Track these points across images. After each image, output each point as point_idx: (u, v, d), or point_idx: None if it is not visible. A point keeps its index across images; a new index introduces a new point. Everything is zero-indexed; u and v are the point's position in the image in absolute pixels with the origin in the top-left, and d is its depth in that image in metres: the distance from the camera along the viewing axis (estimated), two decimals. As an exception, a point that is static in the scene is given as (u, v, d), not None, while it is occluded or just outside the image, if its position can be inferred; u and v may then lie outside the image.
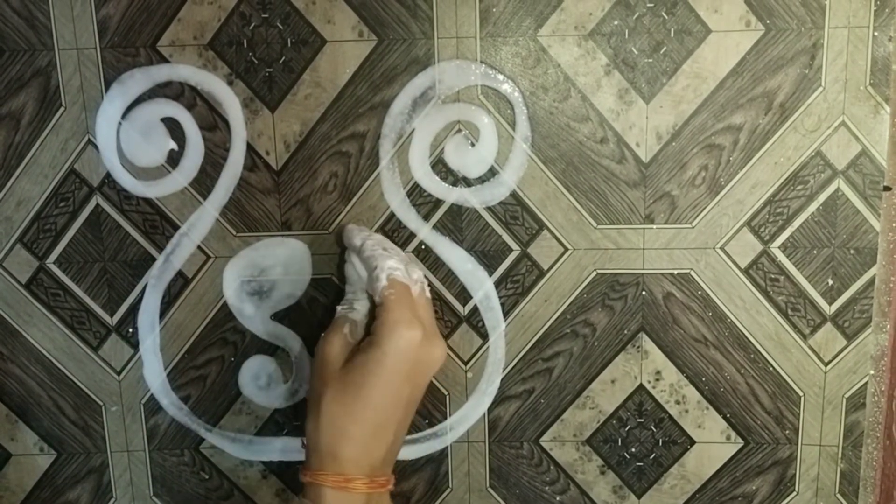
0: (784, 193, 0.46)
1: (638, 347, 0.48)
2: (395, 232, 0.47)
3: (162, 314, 0.48)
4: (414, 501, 0.50)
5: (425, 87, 0.45)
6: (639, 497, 0.50)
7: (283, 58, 0.45)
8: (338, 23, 0.45)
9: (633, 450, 0.50)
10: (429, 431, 0.49)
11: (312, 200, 0.47)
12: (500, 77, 0.45)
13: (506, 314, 0.48)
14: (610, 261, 0.47)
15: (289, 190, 0.47)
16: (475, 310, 0.48)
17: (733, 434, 0.49)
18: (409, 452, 0.49)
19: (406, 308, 0.40)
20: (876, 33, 0.44)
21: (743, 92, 0.45)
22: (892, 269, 0.47)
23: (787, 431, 0.49)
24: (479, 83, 0.45)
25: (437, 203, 0.47)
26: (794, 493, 0.49)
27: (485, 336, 0.48)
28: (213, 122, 0.46)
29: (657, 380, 0.49)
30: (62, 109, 0.46)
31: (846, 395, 0.48)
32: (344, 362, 0.41)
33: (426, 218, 0.47)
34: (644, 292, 0.47)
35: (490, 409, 0.49)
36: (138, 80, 0.46)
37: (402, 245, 0.47)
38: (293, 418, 0.50)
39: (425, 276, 0.46)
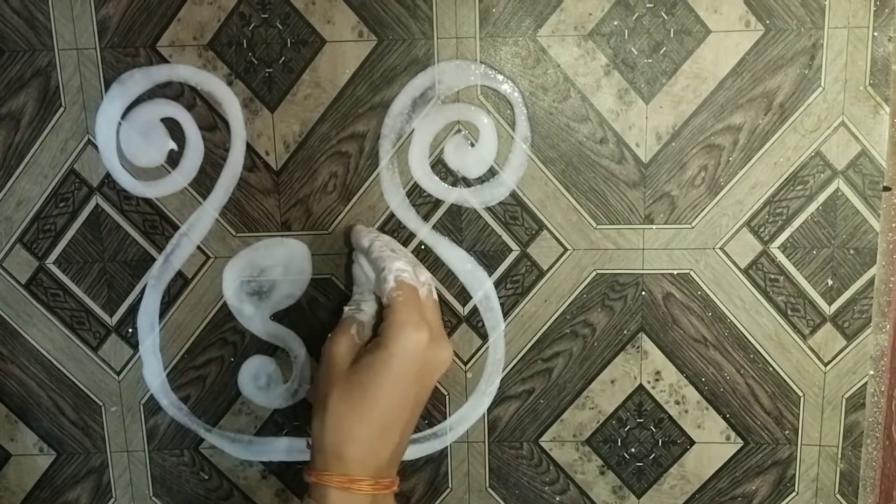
0: (784, 194, 0.46)
1: (637, 348, 0.48)
2: (395, 232, 0.47)
3: (162, 314, 0.48)
4: (414, 501, 0.50)
5: (425, 88, 0.45)
6: (638, 497, 0.50)
7: (283, 58, 0.45)
8: (337, 23, 0.45)
9: (633, 450, 0.50)
10: (428, 432, 0.49)
11: (312, 201, 0.47)
12: (500, 77, 0.45)
13: (505, 314, 0.48)
14: (609, 261, 0.47)
15: (288, 190, 0.47)
16: (475, 310, 0.48)
17: (733, 434, 0.49)
18: (408, 452, 0.49)
19: (413, 310, 0.40)
20: (875, 33, 0.44)
21: (742, 92, 0.45)
22: (892, 269, 0.47)
23: (787, 432, 0.49)
24: (479, 83, 0.45)
25: (437, 203, 0.47)
26: (794, 494, 0.49)
27: (484, 336, 0.48)
28: (213, 123, 0.46)
29: (657, 380, 0.49)
30: (62, 109, 0.46)
31: (846, 396, 0.48)
32: (350, 363, 0.41)
33: (426, 218, 0.47)
34: (644, 292, 0.47)
35: (490, 410, 0.49)
36: (138, 81, 0.46)
37: (402, 245, 0.47)
38: (293, 418, 0.50)
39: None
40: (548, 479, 0.50)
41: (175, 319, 0.48)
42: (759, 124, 0.45)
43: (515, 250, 0.47)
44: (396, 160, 0.46)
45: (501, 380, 0.49)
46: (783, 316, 0.47)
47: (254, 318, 0.48)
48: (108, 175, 0.47)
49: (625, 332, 0.48)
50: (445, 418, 0.49)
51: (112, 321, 0.49)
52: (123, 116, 0.46)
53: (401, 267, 0.42)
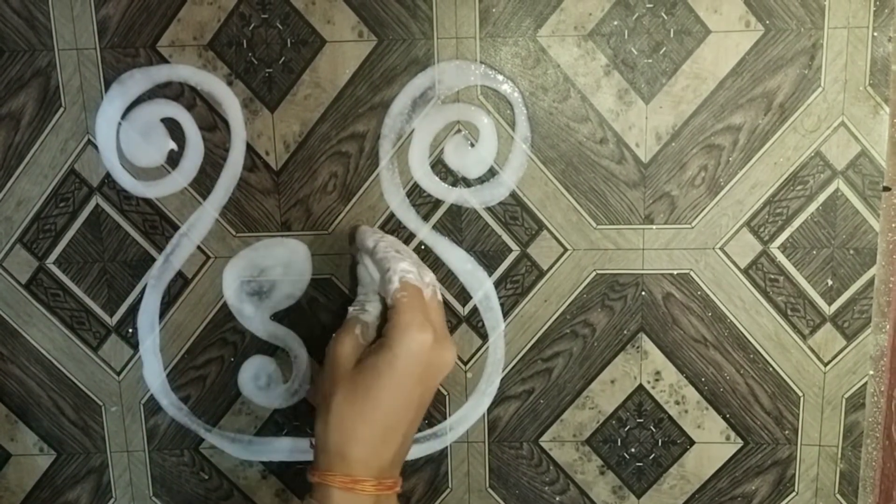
0: (784, 194, 0.46)
1: (637, 348, 0.48)
2: (395, 232, 0.47)
3: (162, 314, 0.48)
4: (414, 501, 0.50)
5: (425, 88, 0.45)
6: (638, 497, 0.50)
7: (283, 58, 0.45)
8: (337, 23, 0.45)
9: (633, 450, 0.50)
10: (428, 431, 0.49)
11: (312, 201, 0.47)
12: (500, 77, 0.45)
13: (505, 314, 0.48)
14: (609, 261, 0.47)
15: (288, 190, 0.47)
16: (475, 310, 0.48)
17: (733, 434, 0.49)
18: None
19: (418, 311, 0.40)
20: (875, 34, 0.44)
21: (742, 92, 0.45)
22: (892, 269, 0.47)
23: (787, 432, 0.49)
24: (479, 83, 0.45)
25: (437, 203, 0.47)
26: (794, 494, 0.49)
27: (484, 336, 0.48)
28: (213, 123, 0.46)
29: (657, 380, 0.49)
30: (62, 110, 0.46)
31: (846, 396, 0.48)
32: (355, 363, 0.41)
33: (426, 218, 0.47)
34: (643, 293, 0.47)
35: (490, 410, 0.49)
36: (138, 81, 0.46)
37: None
38: (293, 418, 0.50)
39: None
40: (548, 479, 0.50)
41: (175, 319, 0.48)
42: (759, 124, 0.45)
43: (515, 250, 0.47)
44: (396, 160, 0.46)
45: (501, 380, 0.49)
46: (783, 316, 0.47)
47: (254, 319, 0.48)
48: (108, 175, 0.47)
49: (625, 332, 0.48)
50: (445, 418, 0.49)
51: (112, 321, 0.49)
52: (123, 116, 0.46)
53: (405, 268, 0.42)
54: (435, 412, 0.49)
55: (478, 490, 0.50)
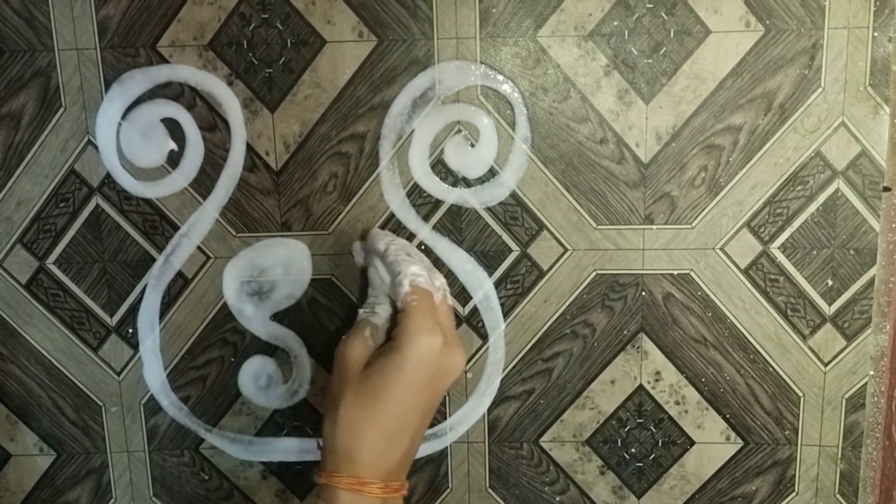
0: (784, 194, 0.46)
1: (638, 348, 0.48)
2: (396, 233, 0.47)
3: (162, 315, 0.48)
4: (414, 502, 0.50)
5: (425, 88, 0.45)
6: (638, 497, 0.50)
7: (283, 58, 0.45)
8: (338, 23, 0.45)
9: (633, 450, 0.50)
10: (428, 432, 0.49)
11: (312, 201, 0.47)
12: (500, 78, 0.45)
13: (505, 314, 0.48)
14: (609, 261, 0.47)
15: (288, 190, 0.47)
16: (475, 310, 0.48)
17: (733, 434, 0.49)
18: (408, 453, 0.49)
19: (428, 315, 0.40)
20: (875, 34, 0.44)
21: (742, 92, 0.45)
22: (892, 269, 0.47)
23: (787, 432, 0.49)
24: (479, 84, 0.45)
25: (437, 203, 0.47)
26: (794, 494, 0.49)
27: (484, 336, 0.48)
28: (213, 123, 0.46)
29: (657, 380, 0.49)
30: (62, 110, 0.46)
31: (846, 396, 0.48)
32: (364, 366, 0.41)
33: (426, 218, 0.47)
34: (644, 293, 0.47)
35: (490, 410, 0.49)
36: (138, 81, 0.46)
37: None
38: (293, 419, 0.50)
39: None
40: (548, 479, 0.50)
41: (175, 320, 0.48)
42: (760, 125, 0.45)
43: (515, 250, 0.47)
44: (396, 160, 0.46)
45: (501, 380, 0.49)
46: (783, 316, 0.47)
47: (254, 319, 0.48)
48: (108, 175, 0.47)
49: (625, 332, 0.48)
50: (445, 418, 0.49)
51: (112, 321, 0.49)
52: (123, 117, 0.46)
53: (416, 271, 0.42)
54: (435, 412, 0.49)
55: (478, 490, 0.50)
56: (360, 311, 0.44)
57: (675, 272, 0.47)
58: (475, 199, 0.47)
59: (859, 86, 0.44)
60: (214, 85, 0.46)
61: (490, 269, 0.47)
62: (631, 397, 0.49)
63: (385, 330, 0.43)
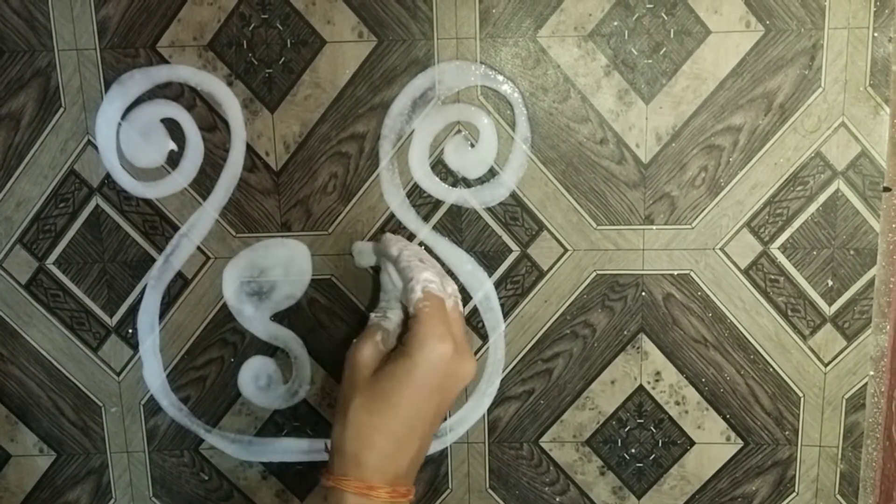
0: (784, 194, 0.46)
1: (638, 348, 0.48)
2: (395, 233, 0.47)
3: (162, 315, 0.48)
4: (414, 502, 0.50)
5: (425, 88, 0.45)
6: (638, 498, 0.50)
7: (283, 58, 0.45)
8: (337, 23, 0.45)
9: (633, 450, 0.50)
10: (428, 432, 0.49)
11: (312, 201, 0.47)
12: (500, 78, 0.45)
13: (506, 315, 0.48)
14: (610, 262, 0.47)
15: (288, 191, 0.47)
16: (475, 310, 0.48)
17: (733, 435, 0.49)
18: (408, 453, 0.49)
19: (439, 321, 0.40)
20: (876, 34, 0.44)
21: (743, 93, 0.45)
22: (892, 269, 0.47)
23: (787, 432, 0.49)
24: (479, 84, 0.45)
25: (437, 204, 0.47)
26: (794, 494, 0.49)
27: (485, 337, 0.48)
28: (213, 123, 0.46)
29: (657, 381, 0.48)
30: (62, 110, 0.46)
31: (846, 396, 0.48)
32: (374, 370, 0.41)
33: (426, 219, 0.47)
34: (644, 293, 0.47)
35: (490, 410, 0.49)
36: (138, 81, 0.46)
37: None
38: (293, 419, 0.50)
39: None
40: (548, 479, 0.50)
41: (175, 320, 0.48)
42: (760, 125, 0.45)
43: (515, 251, 0.47)
44: (396, 161, 0.46)
45: (501, 380, 0.49)
46: (783, 316, 0.47)
47: (254, 319, 0.48)
48: (108, 175, 0.47)
49: (625, 332, 0.48)
50: (445, 419, 0.49)
51: (112, 322, 0.49)
52: (123, 117, 0.46)
53: (428, 278, 0.41)
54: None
55: (478, 491, 0.50)
56: (372, 315, 0.44)
57: (676, 272, 0.47)
58: (475, 200, 0.47)
59: (859, 86, 0.44)
60: (214, 85, 0.46)
61: (490, 270, 0.47)
62: (631, 398, 0.49)
63: (396, 335, 0.43)
